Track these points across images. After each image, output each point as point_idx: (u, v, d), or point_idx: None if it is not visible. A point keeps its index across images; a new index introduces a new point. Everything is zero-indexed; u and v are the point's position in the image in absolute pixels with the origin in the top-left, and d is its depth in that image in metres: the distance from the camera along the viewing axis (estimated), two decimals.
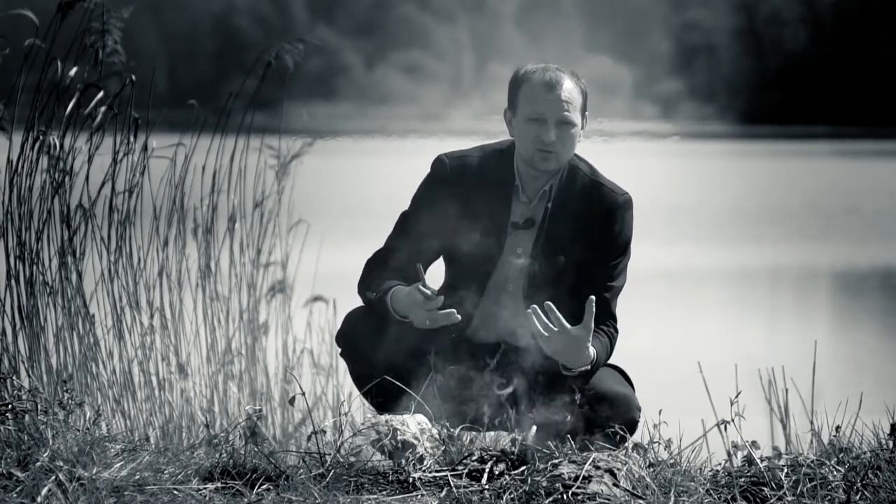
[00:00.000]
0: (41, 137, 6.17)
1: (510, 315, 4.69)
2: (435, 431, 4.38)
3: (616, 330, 4.72)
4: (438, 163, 4.75)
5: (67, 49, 6.24)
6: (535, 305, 4.49)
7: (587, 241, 4.68)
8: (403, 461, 4.28)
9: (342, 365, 4.84)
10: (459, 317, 4.50)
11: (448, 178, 4.72)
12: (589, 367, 4.56)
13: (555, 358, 4.53)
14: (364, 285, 4.70)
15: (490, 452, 4.31)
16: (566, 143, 4.64)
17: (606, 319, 4.70)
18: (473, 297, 4.70)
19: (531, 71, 4.67)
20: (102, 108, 6.31)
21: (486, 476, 4.21)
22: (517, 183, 4.71)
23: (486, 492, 4.14)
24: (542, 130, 4.62)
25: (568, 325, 4.48)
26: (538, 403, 4.55)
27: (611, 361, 4.77)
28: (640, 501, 4.11)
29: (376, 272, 4.69)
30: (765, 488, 4.26)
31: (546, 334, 4.48)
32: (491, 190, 4.71)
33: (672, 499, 4.15)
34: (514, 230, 4.70)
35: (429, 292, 4.47)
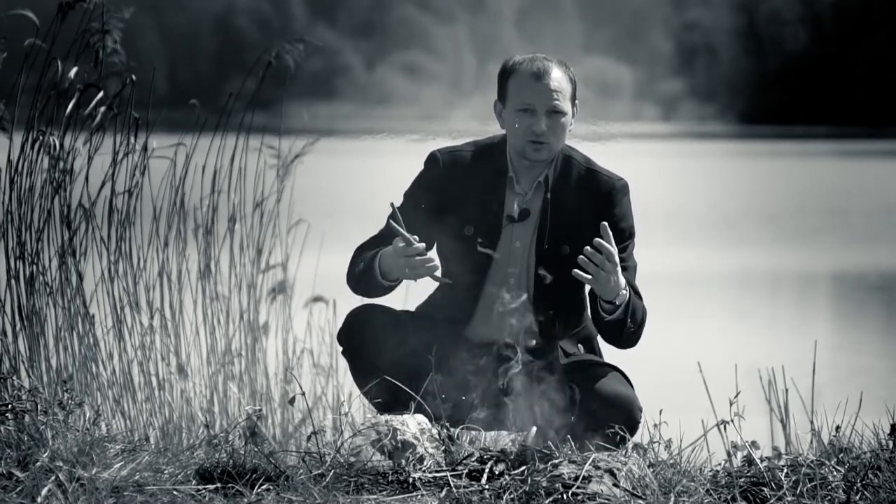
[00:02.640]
0: (41, 137, 6.17)
1: (514, 309, 4.68)
2: (435, 431, 4.38)
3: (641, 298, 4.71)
4: (431, 159, 4.76)
5: (68, 49, 6.24)
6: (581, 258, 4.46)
7: (590, 228, 4.66)
8: (403, 461, 4.28)
9: (342, 365, 4.85)
10: (441, 276, 4.51)
11: (441, 173, 4.73)
12: (625, 295, 4.54)
13: (596, 291, 4.52)
14: (352, 268, 4.69)
15: (490, 452, 4.31)
16: (557, 133, 4.64)
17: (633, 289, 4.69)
18: (472, 293, 4.70)
19: (519, 62, 4.67)
20: (102, 109, 6.31)
21: (486, 476, 4.21)
22: (511, 174, 4.72)
23: (486, 492, 4.14)
24: (533, 121, 4.63)
25: (601, 255, 4.46)
26: (539, 403, 4.55)
27: (611, 362, 4.76)
28: (640, 501, 4.11)
29: (361, 257, 4.68)
30: (765, 488, 4.26)
31: (591, 277, 4.47)
32: (485, 183, 4.71)
33: (672, 499, 4.15)
34: (510, 223, 4.70)
35: (410, 238, 4.47)
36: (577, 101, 4.70)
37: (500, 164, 4.73)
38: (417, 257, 4.48)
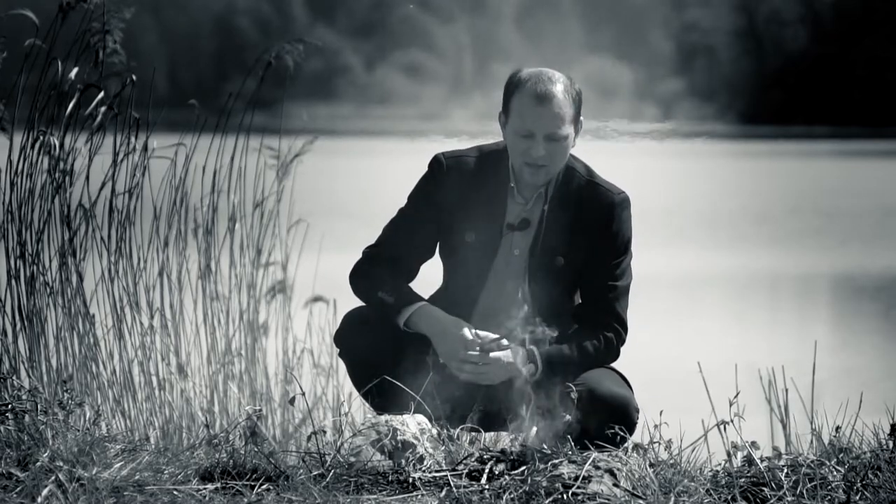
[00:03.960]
0: (41, 138, 6.17)
1: (509, 316, 4.68)
2: (435, 431, 4.38)
3: (618, 331, 4.70)
4: (436, 162, 4.76)
5: (68, 49, 6.24)
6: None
7: (586, 241, 4.68)
8: (403, 461, 4.28)
9: (342, 365, 4.84)
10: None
11: (445, 177, 4.72)
12: (536, 367, 4.57)
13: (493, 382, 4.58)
14: (368, 281, 4.68)
15: (490, 452, 4.31)
16: (555, 157, 4.63)
17: (608, 320, 4.69)
18: (471, 297, 4.71)
19: (524, 80, 4.62)
20: (103, 109, 6.31)
21: (485, 476, 4.21)
22: (512, 184, 4.72)
23: (486, 492, 4.14)
24: (531, 144, 4.60)
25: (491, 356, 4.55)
26: (538, 404, 4.55)
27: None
28: (640, 501, 4.11)
29: (382, 271, 4.68)
30: (765, 488, 4.26)
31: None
32: (486, 190, 4.71)
33: (672, 499, 4.15)
34: (510, 231, 4.70)
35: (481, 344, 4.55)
36: (580, 119, 4.68)
37: (503, 172, 4.73)
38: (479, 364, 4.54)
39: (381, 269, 4.69)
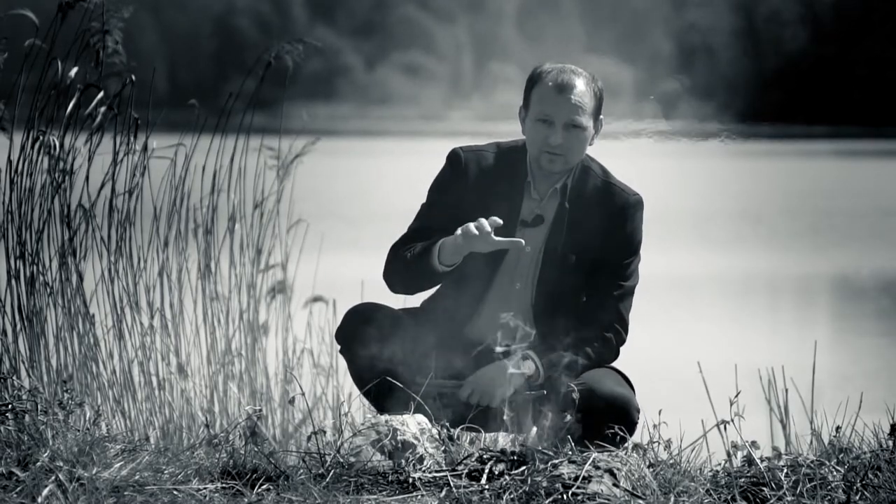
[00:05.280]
0: (41, 137, 6.17)
1: (516, 313, 4.69)
2: (435, 431, 4.38)
3: (618, 331, 4.72)
4: (454, 155, 4.77)
5: (68, 49, 6.24)
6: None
7: (598, 240, 4.69)
8: (403, 461, 4.28)
9: (342, 365, 4.84)
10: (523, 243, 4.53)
11: (462, 171, 4.74)
12: (538, 370, 4.59)
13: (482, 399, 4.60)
14: (400, 262, 4.67)
15: (490, 452, 4.32)
16: (573, 146, 4.65)
17: (611, 320, 4.70)
18: (478, 293, 4.71)
19: (546, 71, 4.68)
20: (102, 109, 6.31)
21: (485, 476, 4.21)
22: (529, 180, 4.73)
23: (486, 492, 4.14)
24: (550, 132, 4.63)
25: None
26: (538, 404, 4.56)
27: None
28: (640, 501, 4.11)
29: (409, 248, 4.68)
30: (765, 488, 4.26)
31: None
32: (502, 186, 4.73)
33: (672, 499, 4.15)
34: (523, 227, 4.71)
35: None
36: (601, 117, 4.71)
37: (520, 168, 4.75)
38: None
39: (408, 248, 4.69)
